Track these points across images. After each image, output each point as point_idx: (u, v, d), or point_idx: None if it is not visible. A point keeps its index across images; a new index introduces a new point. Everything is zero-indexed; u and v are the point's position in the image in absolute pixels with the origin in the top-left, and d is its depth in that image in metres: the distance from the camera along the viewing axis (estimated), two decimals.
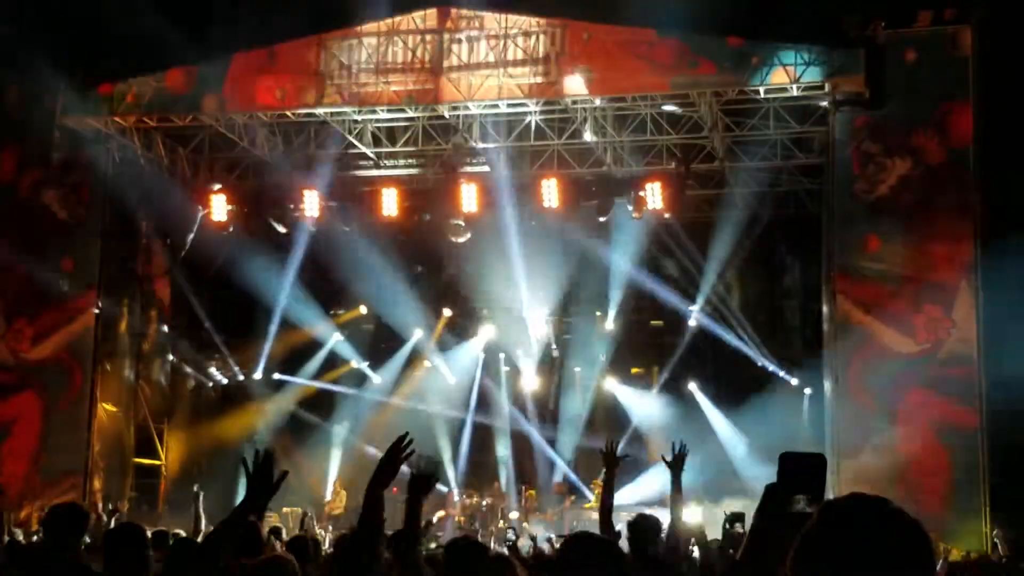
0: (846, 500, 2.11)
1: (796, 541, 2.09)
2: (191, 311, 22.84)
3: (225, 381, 24.58)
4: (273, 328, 23.25)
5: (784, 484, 2.28)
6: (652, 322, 25.65)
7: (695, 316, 23.12)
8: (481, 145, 20.01)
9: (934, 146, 17.18)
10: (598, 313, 24.64)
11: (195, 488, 11.01)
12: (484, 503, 22.75)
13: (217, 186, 20.23)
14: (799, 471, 2.29)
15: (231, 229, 20.39)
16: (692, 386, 24.65)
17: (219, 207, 19.97)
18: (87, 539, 6.08)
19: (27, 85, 20.03)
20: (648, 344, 25.56)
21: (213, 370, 24.23)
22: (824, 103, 18.00)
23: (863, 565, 2.02)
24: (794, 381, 22.41)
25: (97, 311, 20.14)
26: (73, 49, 18.24)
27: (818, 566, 2.05)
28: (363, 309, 24.95)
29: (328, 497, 22.82)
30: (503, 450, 25.40)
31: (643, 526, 7.01)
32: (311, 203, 20.17)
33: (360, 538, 4.17)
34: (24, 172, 20.41)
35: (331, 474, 24.38)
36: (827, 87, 17.57)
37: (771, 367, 22.81)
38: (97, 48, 18.52)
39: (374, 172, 21.33)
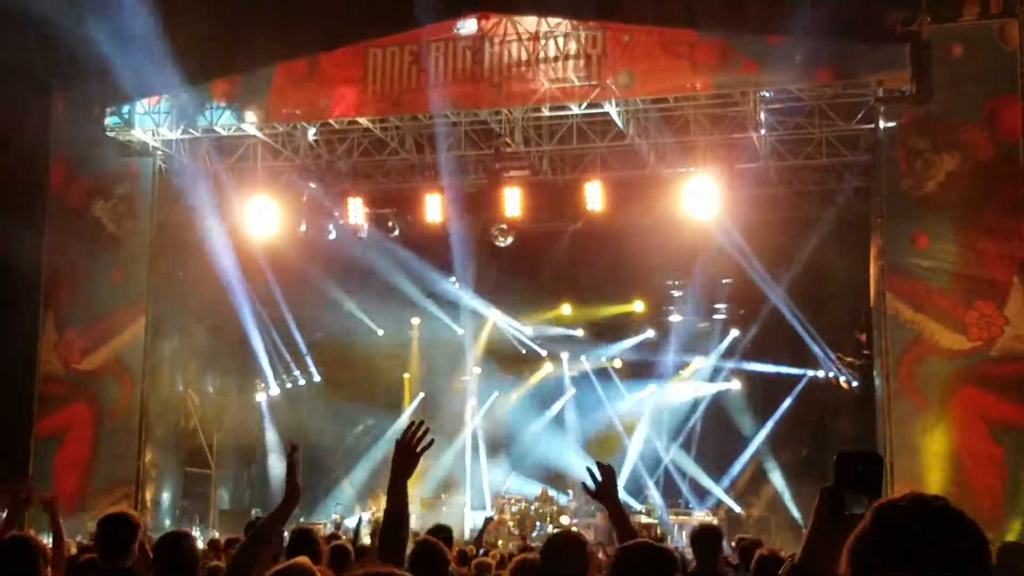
0: (903, 499, 2.06)
1: (851, 539, 2.05)
2: None
3: (277, 390, 24.85)
4: None
5: (840, 484, 2.23)
6: (700, 324, 25.76)
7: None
8: (523, 149, 20.00)
9: (983, 141, 16.94)
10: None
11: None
12: (532, 508, 22.77)
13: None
14: (855, 471, 2.24)
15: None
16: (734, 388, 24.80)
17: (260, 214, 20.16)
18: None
19: (75, 97, 20.32)
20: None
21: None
22: (870, 99, 17.81)
23: (921, 565, 1.98)
24: (843, 379, 22.33)
25: (146, 321, 20.32)
26: (118, 60, 18.41)
27: (874, 565, 2.01)
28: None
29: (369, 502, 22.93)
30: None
31: (703, 537, 7.08)
32: (355, 211, 20.38)
33: (387, 528, 4.19)
34: (73, 184, 20.67)
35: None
36: (872, 83, 17.39)
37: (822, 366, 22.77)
38: (143, 60, 18.68)
39: (417, 178, 21.39)
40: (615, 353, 26.15)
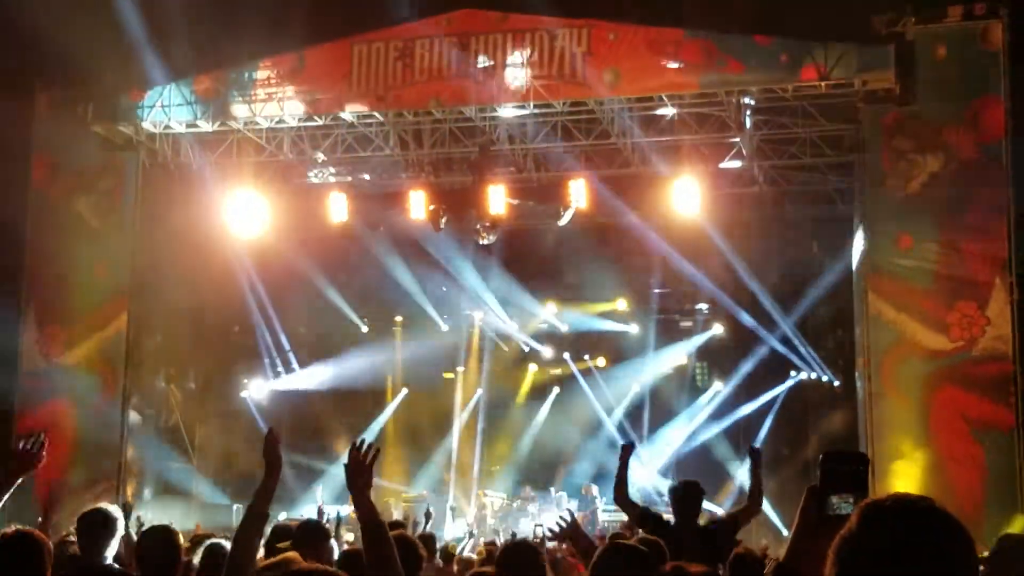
0: (889, 499, 2.07)
1: (837, 540, 2.06)
2: None
3: (260, 386, 24.84)
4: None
5: (826, 484, 2.24)
6: (682, 323, 25.85)
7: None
8: (508, 147, 20.00)
9: (966, 142, 17.00)
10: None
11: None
12: (515, 504, 22.81)
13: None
14: (841, 471, 2.25)
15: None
16: (717, 388, 24.89)
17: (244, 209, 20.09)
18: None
19: (58, 92, 20.21)
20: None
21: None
22: (854, 100, 17.87)
23: (906, 565, 1.99)
24: (825, 379, 22.43)
25: (129, 316, 20.24)
26: (103, 56, 18.34)
27: (860, 565, 2.01)
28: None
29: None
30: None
31: (684, 493, 7.17)
32: (340, 206, 20.31)
33: (368, 541, 4.19)
34: (55, 179, 20.55)
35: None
36: (856, 84, 17.44)
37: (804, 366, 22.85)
38: (126, 55, 18.61)
39: (401, 175, 21.37)
40: (595, 336, 26.11)
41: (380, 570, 4.05)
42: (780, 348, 22.82)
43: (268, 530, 6.14)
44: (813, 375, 22.83)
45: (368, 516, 4.15)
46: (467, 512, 23.35)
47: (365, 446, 4.32)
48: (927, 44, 17.19)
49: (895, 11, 17.17)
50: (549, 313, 25.85)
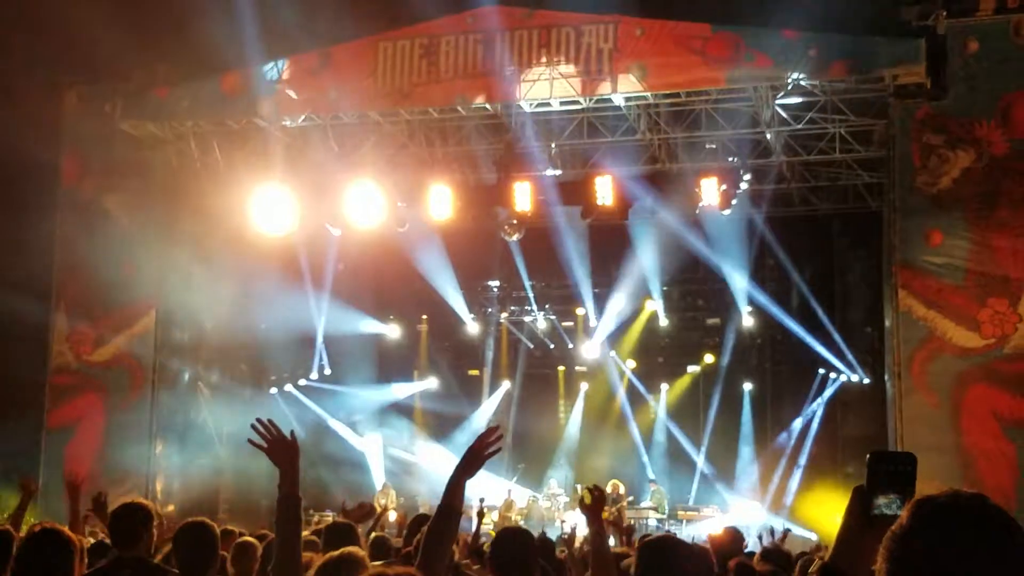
0: (943, 496, 2.03)
1: (888, 535, 2.02)
2: None
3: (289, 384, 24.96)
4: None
5: (873, 484, 2.19)
6: (709, 320, 25.77)
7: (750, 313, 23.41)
8: (534, 143, 19.94)
9: (997, 137, 16.82)
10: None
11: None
12: (541, 502, 22.79)
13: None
14: (888, 471, 2.20)
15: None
16: (746, 386, 24.77)
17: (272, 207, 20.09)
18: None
19: (85, 91, 20.33)
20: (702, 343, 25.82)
21: None
22: (884, 95, 17.71)
23: (961, 561, 1.95)
24: (855, 377, 22.27)
25: (157, 314, 20.35)
26: (130, 53, 18.43)
27: (913, 561, 1.98)
28: None
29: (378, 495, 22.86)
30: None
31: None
32: (367, 204, 20.29)
33: (437, 523, 4.23)
34: (85, 177, 20.68)
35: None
36: (887, 78, 17.28)
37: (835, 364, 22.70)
38: (154, 52, 18.70)
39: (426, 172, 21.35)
40: (626, 334, 26.02)
41: (434, 548, 4.15)
42: (810, 346, 22.67)
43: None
44: (843, 376, 22.64)
45: (454, 502, 4.29)
46: (494, 509, 23.30)
47: (494, 437, 4.35)
48: (958, 38, 17.01)
49: (926, 4, 17.00)
50: (578, 312, 25.82)
